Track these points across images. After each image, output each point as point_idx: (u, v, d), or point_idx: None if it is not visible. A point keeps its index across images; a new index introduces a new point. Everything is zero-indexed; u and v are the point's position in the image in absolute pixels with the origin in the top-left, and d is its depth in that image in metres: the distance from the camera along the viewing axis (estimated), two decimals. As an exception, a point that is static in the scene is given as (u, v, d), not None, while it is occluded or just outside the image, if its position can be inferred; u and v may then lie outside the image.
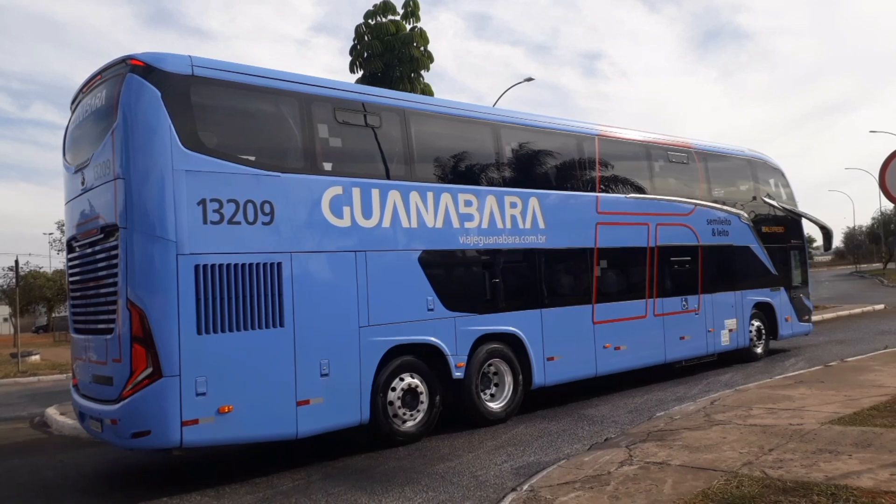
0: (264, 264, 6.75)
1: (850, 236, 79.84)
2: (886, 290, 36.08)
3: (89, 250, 6.98)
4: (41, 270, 45.96)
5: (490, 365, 8.66)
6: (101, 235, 6.68)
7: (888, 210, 63.23)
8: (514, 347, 8.87)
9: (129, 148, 6.29)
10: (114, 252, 6.42)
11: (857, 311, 23.23)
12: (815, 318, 15.61)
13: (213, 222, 6.47)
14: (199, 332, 6.28)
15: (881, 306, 24.69)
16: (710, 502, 4.76)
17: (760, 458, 5.80)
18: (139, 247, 6.22)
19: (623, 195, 10.69)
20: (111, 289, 6.48)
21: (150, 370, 6.09)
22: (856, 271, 61.38)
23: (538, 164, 9.77)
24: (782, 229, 13.80)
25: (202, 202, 6.42)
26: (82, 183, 7.01)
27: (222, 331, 6.43)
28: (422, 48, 16.09)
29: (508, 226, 8.88)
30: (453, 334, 8.18)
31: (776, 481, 5.11)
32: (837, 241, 77.16)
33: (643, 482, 5.39)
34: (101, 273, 6.75)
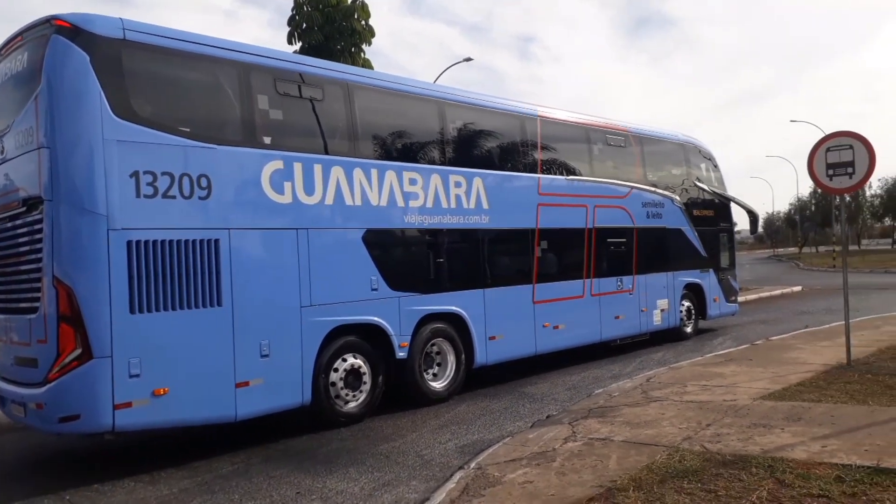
0: (201, 241, 6.47)
1: (769, 221, 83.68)
2: (802, 273, 37.97)
3: (9, 224, 6.52)
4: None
5: (433, 344, 8.63)
6: (24, 209, 6.24)
7: (804, 196, 66.50)
8: (456, 327, 8.85)
9: (54, 115, 5.88)
10: (37, 226, 6.02)
11: (777, 292, 24.34)
12: (739, 299, 16.24)
13: (146, 196, 6.16)
14: (132, 312, 5.99)
15: (798, 288, 25.93)
16: (655, 476, 4.87)
17: (699, 432, 5.97)
18: (66, 221, 5.86)
19: (563, 177, 10.79)
20: (35, 265, 6.09)
21: (78, 351, 5.77)
22: (773, 255, 64.44)
23: (482, 143, 9.73)
24: (712, 213, 14.26)
25: (135, 174, 6.09)
26: (1, 152, 6.54)
27: (157, 310, 6.15)
28: (363, 21, 15.74)
29: (453, 205, 8.82)
30: (397, 314, 8.09)
31: (716, 455, 5.27)
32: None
33: (588, 458, 5.47)
34: (22, 248, 6.34)
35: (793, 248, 70.70)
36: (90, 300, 5.81)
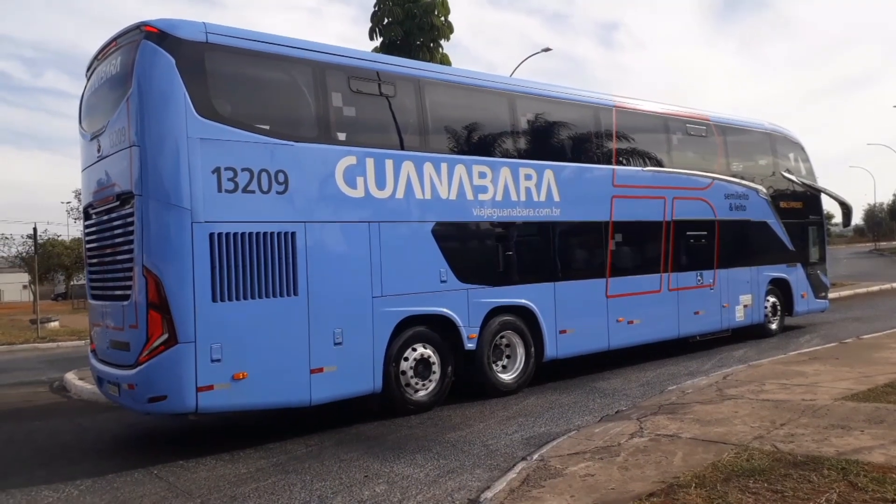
0: (278, 233, 6.78)
1: (871, 213, 78.85)
2: (906, 269, 35.66)
3: (105, 217, 7.04)
4: (59, 238, 46.43)
5: (502, 337, 8.68)
6: (117, 202, 6.72)
7: (910, 187, 62.18)
8: (526, 320, 8.87)
9: (143, 115, 6.30)
10: (129, 219, 6.47)
11: (875, 288, 23.01)
12: (831, 295, 15.47)
13: (227, 191, 6.49)
14: (214, 300, 6.34)
15: (900, 284, 24.42)
16: (719, 474, 4.77)
17: (772, 432, 5.79)
18: (154, 214, 6.26)
19: (639, 168, 10.59)
20: (127, 256, 6.54)
21: (165, 336, 6.17)
22: (875, 249, 60.70)
23: (554, 135, 9.68)
24: (801, 205, 13.63)
25: (217, 170, 6.43)
26: (98, 150, 7.04)
27: (237, 299, 6.48)
28: (443, 17, 15.92)
29: (523, 198, 8.83)
30: (466, 306, 8.19)
31: (787, 455, 5.11)
32: (857, 218, 76.10)
33: (653, 454, 5.41)
34: (117, 240, 6.81)
35: (897, 242, 66.37)
36: (176, 288, 6.19)
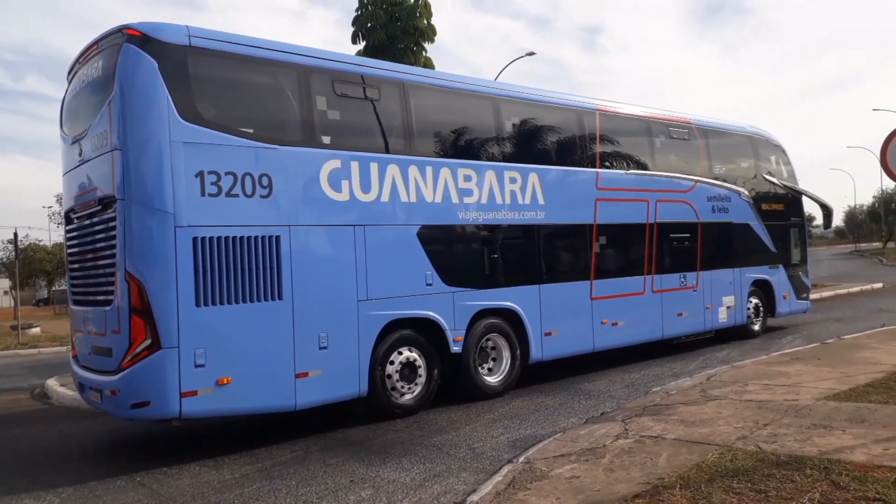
0: (262, 237, 6.74)
1: (851, 215, 79.86)
2: (885, 269, 36.13)
3: (87, 222, 6.97)
4: (41, 244, 45.93)
5: (488, 339, 8.69)
6: (99, 207, 6.66)
7: (889, 189, 63.14)
8: (511, 322, 8.89)
9: (125, 119, 6.25)
10: (112, 224, 6.41)
11: (856, 289, 23.29)
12: (813, 296, 15.65)
13: (210, 195, 6.45)
14: (197, 305, 6.29)
15: (879, 285, 24.74)
16: (704, 475, 4.80)
17: (755, 432, 5.84)
18: (137, 219, 6.21)
19: (623, 171, 10.66)
20: (109, 260, 6.48)
21: (148, 342, 6.12)
22: (855, 250, 61.45)
23: (538, 138, 9.72)
24: (782, 207, 13.78)
25: (200, 174, 6.39)
26: (80, 154, 6.97)
27: (221, 303, 6.44)
28: (426, 20, 15.94)
29: (508, 201, 8.85)
30: (451, 309, 8.20)
31: (770, 455, 5.16)
32: (838, 220, 77.26)
33: (638, 455, 5.44)
34: (99, 245, 6.75)
35: (876, 244, 67.17)
36: (159, 293, 6.14)
